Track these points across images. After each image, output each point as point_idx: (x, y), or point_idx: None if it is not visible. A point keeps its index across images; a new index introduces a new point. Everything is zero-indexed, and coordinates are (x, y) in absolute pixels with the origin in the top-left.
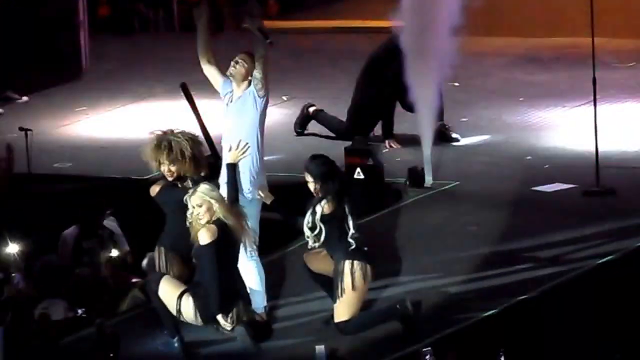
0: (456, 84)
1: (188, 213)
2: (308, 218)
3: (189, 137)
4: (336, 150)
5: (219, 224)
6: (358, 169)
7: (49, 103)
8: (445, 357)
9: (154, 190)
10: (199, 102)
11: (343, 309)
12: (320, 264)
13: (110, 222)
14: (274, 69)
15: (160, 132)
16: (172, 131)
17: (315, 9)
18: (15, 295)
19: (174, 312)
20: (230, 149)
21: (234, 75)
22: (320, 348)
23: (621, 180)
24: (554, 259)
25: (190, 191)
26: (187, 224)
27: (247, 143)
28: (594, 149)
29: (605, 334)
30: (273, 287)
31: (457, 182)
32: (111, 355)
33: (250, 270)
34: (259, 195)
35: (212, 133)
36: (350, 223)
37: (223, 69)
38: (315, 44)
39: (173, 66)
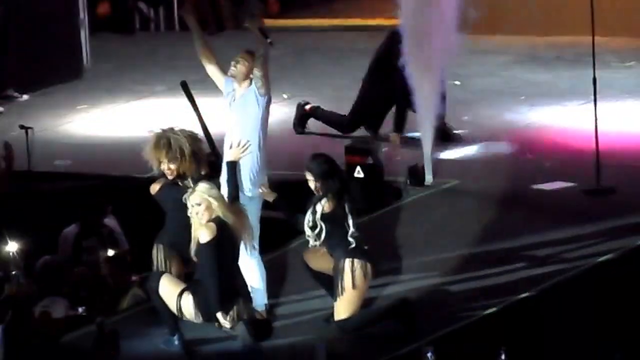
0: (457, 83)
1: (188, 212)
2: (308, 217)
3: (188, 135)
4: (336, 148)
5: (219, 222)
6: (358, 168)
7: (49, 101)
8: None
9: (154, 188)
10: (199, 101)
11: (343, 307)
12: (320, 262)
13: (110, 221)
14: (274, 67)
15: (159, 131)
16: (172, 129)
17: (316, 7)
18: (15, 293)
19: (174, 310)
20: (231, 147)
21: (234, 75)
22: (320, 346)
23: (621, 178)
24: (554, 257)
25: (190, 190)
26: (188, 222)
27: (248, 141)
28: (594, 148)
29: (606, 333)
30: (273, 285)
31: (458, 181)
32: (111, 353)
33: (251, 268)
34: (262, 192)
35: (213, 131)
36: (350, 222)
37: (224, 68)
38: (315, 42)
39: (173, 65)
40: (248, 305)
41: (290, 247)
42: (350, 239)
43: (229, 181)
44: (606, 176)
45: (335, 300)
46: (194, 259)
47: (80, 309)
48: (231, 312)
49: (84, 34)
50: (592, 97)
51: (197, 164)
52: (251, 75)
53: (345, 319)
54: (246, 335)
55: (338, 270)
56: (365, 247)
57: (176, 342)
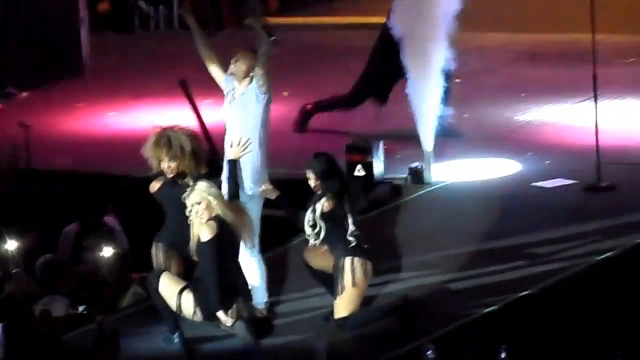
0: (457, 80)
1: (187, 211)
2: (308, 216)
3: (188, 133)
4: (336, 147)
5: (219, 220)
6: (359, 166)
7: (49, 99)
8: None
9: (154, 187)
10: (198, 99)
11: (343, 306)
12: (320, 260)
13: (110, 219)
14: (273, 65)
15: (159, 129)
16: (171, 128)
17: (315, 5)
18: (15, 292)
19: (174, 308)
20: (231, 145)
21: (234, 73)
22: (320, 344)
23: (622, 176)
24: (554, 255)
25: (189, 189)
26: (188, 221)
27: (248, 139)
28: (594, 145)
29: (606, 331)
30: (273, 283)
31: (458, 179)
32: (112, 352)
33: (251, 266)
34: (264, 189)
35: (211, 130)
36: (350, 221)
37: (225, 67)
38: (314, 40)
39: (173, 63)
40: (248, 304)
41: (290, 246)
42: (350, 238)
43: (229, 179)
44: (607, 174)
45: (335, 298)
46: (194, 257)
47: (80, 308)
48: (231, 310)
49: (83, 32)
50: (593, 94)
51: (197, 163)
52: (252, 73)
53: (345, 317)
54: (246, 333)
55: (338, 269)
56: (365, 246)
57: (176, 341)
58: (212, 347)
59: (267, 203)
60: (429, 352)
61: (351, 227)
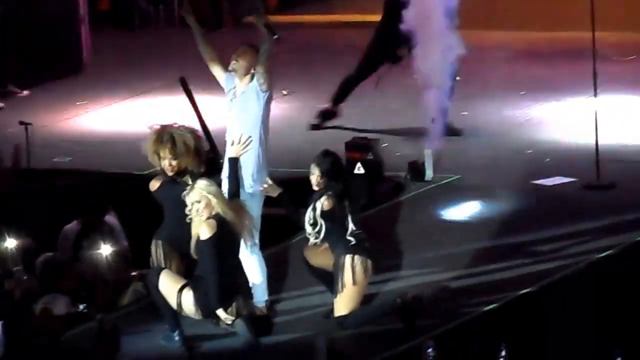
0: (457, 78)
1: (187, 209)
2: (309, 214)
3: (190, 130)
4: (336, 145)
5: (219, 219)
6: (358, 164)
7: (49, 97)
8: None
9: (154, 185)
10: (198, 97)
11: (343, 303)
12: (321, 258)
13: (110, 218)
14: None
15: (159, 126)
16: (171, 125)
17: (314, 3)
18: (13, 289)
19: (175, 306)
20: (232, 143)
21: (235, 70)
22: (320, 342)
23: (621, 174)
24: (554, 252)
25: (188, 188)
26: (187, 220)
27: (249, 137)
28: (594, 143)
29: (606, 329)
30: (274, 281)
31: (458, 176)
32: (112, 350)
33: (251, 264)
34: (266, 186)
35: (211, 128)
36: (350, 221)
37: (226, 65)
38: (313, 38)
39: (173, 61)
40: (248, 302)
41: (290, 244)
42: (350, 238)
43: (229, 177)
44: (606, 172)
45: (335, 296)
46: (194, 255)
47: (81, 306)
48: (231, 309)
49: (84, 30)
50: (592, 92)
51: (199, 159)
52: (252, 71)
53: (345, 315)
54: (246, 331)
55: (338, 267)
56: (366, 244)
57: (177, 339)
58: (212, 345)
59: (268, 201)
60: (429, 350)
61: (351, 227)
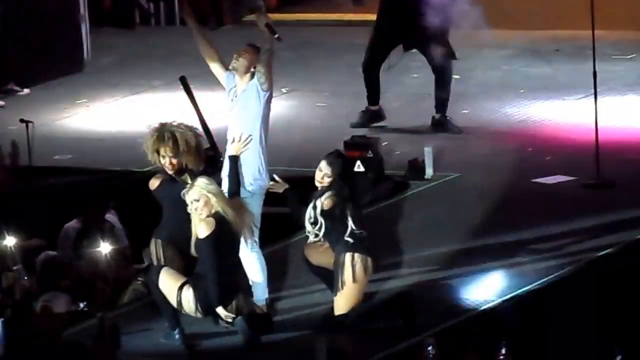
0: (457, 77)
1: (187, 208)
2: (309, 212)
3: (191, 128)
4: (336, 144)
5: (218, 217)
6: (358, 162)
7: (50, 95)
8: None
9: (153, 184)
10: (198, 95)
11: (343, 302)
12: (321, 256)
13: (111, 216)
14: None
15: (159, 124)
16: (171, 123)
17: (315, 1)
18: (14, 287)
19: (175, 304)
20: (232, 141)
21: (236, 68)
22: (320, 341)
23: (621, 172)
24: (554, 251)
25: (188, 186)
26: (187, 218)
27: (249, 135)
28: (594, 141)
29: (607, 327)
30: (274, 279)
31: (458, 174)
32: (112, 348)
33: (251, 262)
34: (273, 183)
35: (211, 126)
36: (350, 222)
37: (226, 64)
38: (314, 36)
39: (173, 59)
40: (248, 300)
41: (290, 242)
42: (349, 239)
43: (229, 176)
44: (606, 170)
45: (336, 294)
46: (194, 254)
47: (81, 304)
48: (231, 307)
49: (84, 28)
50: (593, 90)
51: (199, 157)
52: (253, 69)
53: (345, 314)
54: (246, 329)
55: (338, 265)
56: (367, 243)
57: (177, 337)
58: (212, 344)
59: (269, 200)
60: (429, 348)
61: (352, 226)
